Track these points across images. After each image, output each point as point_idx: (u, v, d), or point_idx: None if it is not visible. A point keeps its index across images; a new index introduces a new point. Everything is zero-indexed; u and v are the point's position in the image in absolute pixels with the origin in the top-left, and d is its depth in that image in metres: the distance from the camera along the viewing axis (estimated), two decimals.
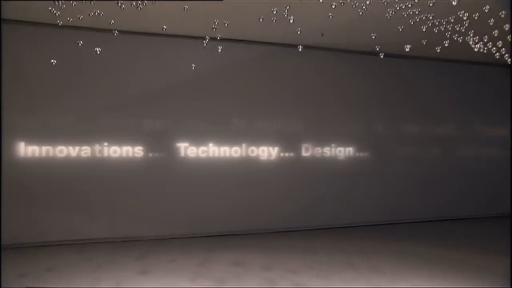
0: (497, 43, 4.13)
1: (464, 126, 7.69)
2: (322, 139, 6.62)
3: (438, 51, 4.07)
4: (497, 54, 4.24)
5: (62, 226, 5.33)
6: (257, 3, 4.69)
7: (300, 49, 3.91)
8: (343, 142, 6.74)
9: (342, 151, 6.73)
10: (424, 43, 4.39)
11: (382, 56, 4.42)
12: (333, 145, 6.67)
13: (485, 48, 4.16)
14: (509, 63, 4.40)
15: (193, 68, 4.81)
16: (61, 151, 5.37)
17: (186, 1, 3.80)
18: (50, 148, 5.34)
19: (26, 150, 5.24)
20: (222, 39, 5.96)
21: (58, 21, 3.73)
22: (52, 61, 4.12)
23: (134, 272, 4.13)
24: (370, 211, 6.80)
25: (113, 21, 3.97)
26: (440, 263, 4.43)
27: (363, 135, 6.92)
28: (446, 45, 4.08)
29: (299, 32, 3.84)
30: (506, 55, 4.26)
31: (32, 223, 5.24)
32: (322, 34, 5.74)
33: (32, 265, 4.35)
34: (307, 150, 6.52)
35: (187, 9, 3.76)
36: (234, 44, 6.11)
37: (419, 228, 6.59)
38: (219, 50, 3.91)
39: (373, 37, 4.32)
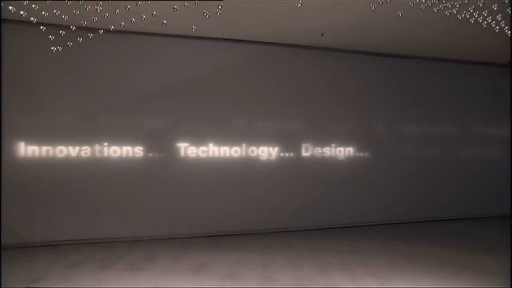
0: (497, 16, 4.10)
1: (464, 126, 7.69)
2: (322, 139, 6.62)
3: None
4: (497, 27, 4.21)
5: (62, 226, 5.33)
6: (257, 3, 4.70)
7: (299, 6, 3.87)
8: (343, 142, 6.74)
9: (342, 151, 6.73)
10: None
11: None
12: (333, 145, 6.67)
13: (485, 22, 4.13)
14: (509, 35, 4.36)
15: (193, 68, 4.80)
16: (61, 151, 5.37)
17: (188, 1, 3.84)
18: (50, 148, 5.34)
19: (26, 150, 5.23)
20: (222, 39, 6.02)
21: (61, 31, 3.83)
22: (52, 48, 4.10)
23: (135, 272, 4.12)
24: (370, 211, 6.80)
25: (112, 22, 3.98)
26: (439, 263, 4.43)
27: (363, 135, 6.92)
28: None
29: (299, 6, 3.76)
30: (506, 27, 4.23)
31: (32, 223, 5.23)
32: (322, 34, 5.76)
33: (32, 265, 4.34)
34: (307, 150, 6.52)
35: (187, 7, 3.78)
36: (234, 44, 6.12)
37: (419, 228, 6.58)
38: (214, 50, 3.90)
39: (373, 38, 4.31)
